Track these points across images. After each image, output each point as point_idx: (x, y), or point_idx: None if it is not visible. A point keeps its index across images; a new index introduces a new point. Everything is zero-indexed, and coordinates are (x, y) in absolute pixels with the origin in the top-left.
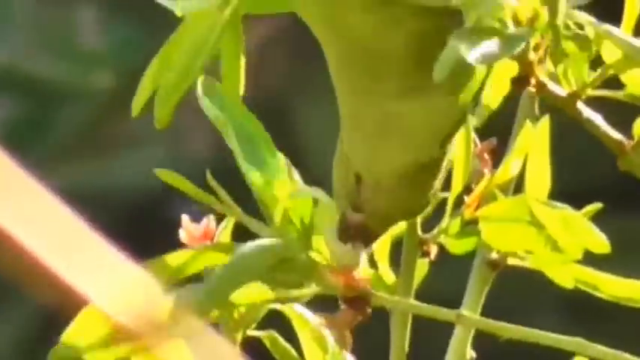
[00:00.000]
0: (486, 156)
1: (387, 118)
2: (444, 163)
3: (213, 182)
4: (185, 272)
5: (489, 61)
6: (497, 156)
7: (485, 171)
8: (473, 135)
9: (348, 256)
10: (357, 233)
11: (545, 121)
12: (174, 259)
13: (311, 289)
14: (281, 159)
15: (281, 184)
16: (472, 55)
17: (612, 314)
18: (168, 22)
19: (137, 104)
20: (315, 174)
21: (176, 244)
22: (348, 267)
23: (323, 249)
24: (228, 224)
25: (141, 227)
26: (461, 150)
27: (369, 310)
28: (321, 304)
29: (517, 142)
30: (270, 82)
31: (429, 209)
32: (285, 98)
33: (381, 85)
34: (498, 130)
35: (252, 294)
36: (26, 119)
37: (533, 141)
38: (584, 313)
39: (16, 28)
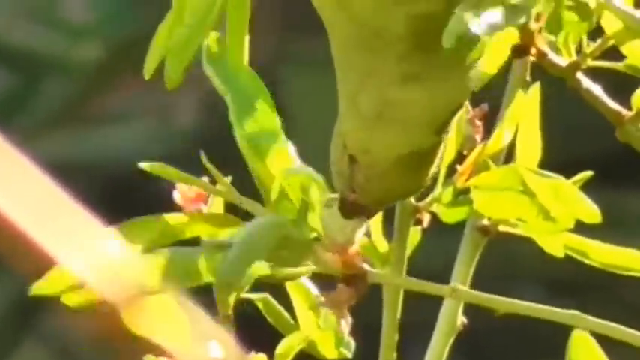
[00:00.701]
0: (478, 122)
1: (385, 103)
2: (440, 151)
3: (209, 165)
4: (174, 237)
5: (493, 31)
6: (489, 122)
7: (477, 137)
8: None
9: (344, 233)
10: (355, 210)
11: (535, 89)
12: (161, 220)
13: (307, 268)
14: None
15: (276, 160)
16: (476, 25)
17: (584, 291)
18: None
19: (149, 66)
20: (302, 145)
21: None
22: (344, 244)
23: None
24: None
25: (127, 201)
26: None
27: (365, 288)
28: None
29: (509, 111)
30: (258, 53)
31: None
32: (274, 69)
33: (383, 67)
34: (489, 97)
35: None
36: (12, 91)
37: (523, 109)
38: (559, 288)
39: None
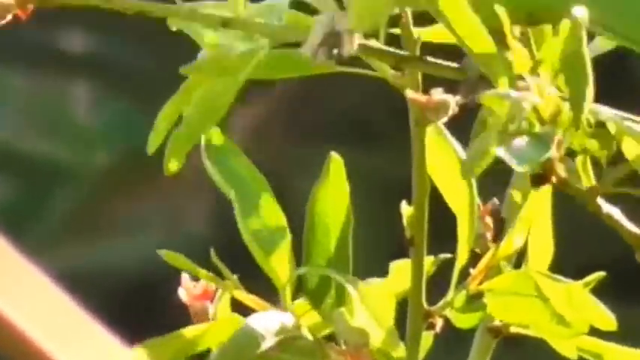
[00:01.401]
0: (488, 219)
1: None
2: None
3: (217, 262)
4: (190, 351)
5: (529, 164)
6: (499, 217)
7: (488, 235)
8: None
9: (357, 334)
10: None
11: (547, 191)
12: (178, 337)
13: None
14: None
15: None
16: (511, 159)
17: None
18: (166, 100)
19: (153, 142)
20: None
21: (174, 326)
22: (357, 346)
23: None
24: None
25: (139, 310)
26: (464, 216)
27: None
28: None
29: (520, 213)
30: (267, 160)
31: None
32: (282, 176)
33: None
34: (497, 184)
35: None
36: (22, 200)
37: (535, 210)
38: None
39: (10, 107)
